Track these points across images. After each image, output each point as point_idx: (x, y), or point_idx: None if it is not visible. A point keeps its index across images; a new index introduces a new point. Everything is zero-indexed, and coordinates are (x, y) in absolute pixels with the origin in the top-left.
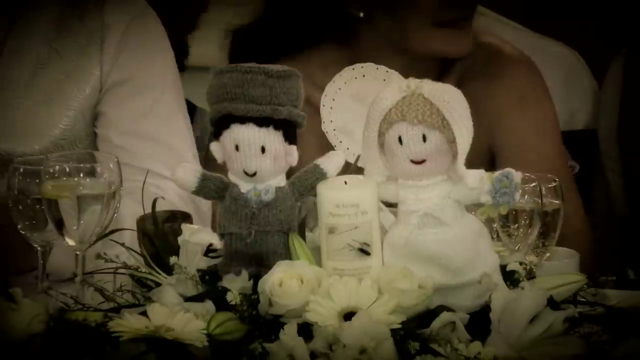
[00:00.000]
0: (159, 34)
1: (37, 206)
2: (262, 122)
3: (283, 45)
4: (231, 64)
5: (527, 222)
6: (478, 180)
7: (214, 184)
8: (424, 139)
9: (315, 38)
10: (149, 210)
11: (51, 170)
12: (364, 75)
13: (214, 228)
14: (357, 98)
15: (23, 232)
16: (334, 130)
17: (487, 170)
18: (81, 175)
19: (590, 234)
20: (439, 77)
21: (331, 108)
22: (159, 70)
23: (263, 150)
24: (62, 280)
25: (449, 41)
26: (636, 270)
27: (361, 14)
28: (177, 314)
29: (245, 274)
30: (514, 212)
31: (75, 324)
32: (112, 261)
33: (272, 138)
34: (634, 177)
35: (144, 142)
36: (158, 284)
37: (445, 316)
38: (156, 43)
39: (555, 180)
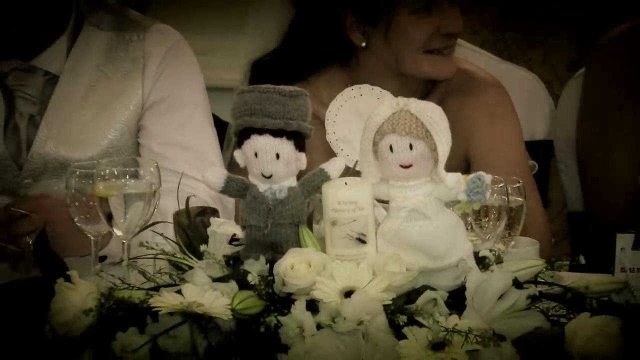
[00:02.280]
0: (190, 60)
1: (91, 203)
2: (276, 133)
3: (296, 70)
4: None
5: (495, 216)
6: (455, 181)
7: (237, 185)
8: (411, 147)
9: (323, 63)
10: (183, 206)
11: (102, 173)
12: (361, 95)
13: (237, 221)
14: (356, 113)
15: (79, 225)
16: (336, 140)
17: (463, 173)
18: (127, 177)
19: (548, 226)
20: (425, 96)
21: (334, 122)
22: (191, 90)
23: (277, 156)
24: (112, 263)
25: (436, 66)
26: (585, 256)
27: (363, 44)
28: (206, 292)
29: (262, 259)
30: (485, 208)
31: (121, 300)
32: (152, 248)
33: (285, 146)
34: (588, 179)
35: (179, 150)
36: (191, 267)
37: (428, 294)
38: (188, 68)
39: (519, 182)
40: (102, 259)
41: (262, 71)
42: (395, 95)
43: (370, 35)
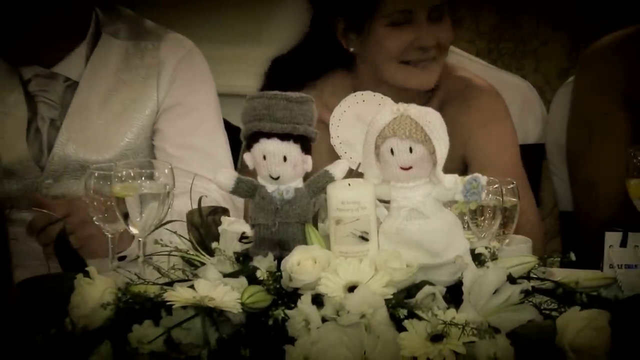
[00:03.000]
0: (202, 68)
1: (109, 203)
2: (284, 137)
3: (308, 70)
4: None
5: (491, 215)
6: (453, 182)
7: (247, 185)
8: (411, 150)
9: (329, 66)
10: (196, 206)
11: (119, 175)
12: (363, 101)
13: (246, 220)
14: (359, 118)
15: (97, 223)
16: (340, 143)
17: (460, 175)
18: (143, 178)
19: (540, 225)
20: (425, 102)
21: (338, 126)
22: (203, 96)
23: (285, 159)
24: (130, 260)
25: (410, 76)
26: (576, 253)
27: (351, 49)
28: (217, 287)
29: (271, 256)
30: (480, 208)
31: (137, 295)
32: (167, 246)
33: (292, 150)
34: (577, 180)
35: (192, 153)
36: (203, 264)
37: (427, 289)
38: (201, 75)
39: (513, 183)
40: (122, 258)
41: (281, 67)
42: (395, 101)
43: (355, 42)
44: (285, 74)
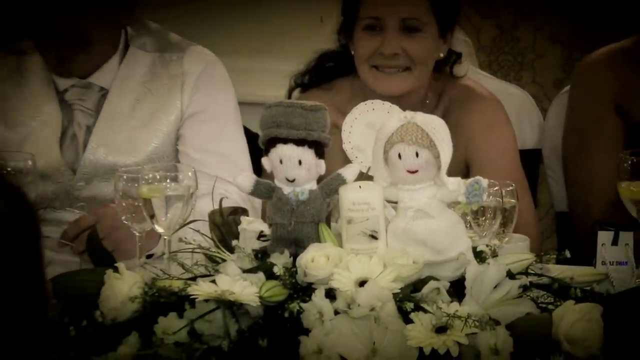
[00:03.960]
0: (223, 78)
1: (136, 203)
2: (299, 142)
3: (322, 79)
4: (279, 100)
5: (491, 215)
6: (456, 185)
7: (265, 188)
8: (417, 155)
9: (345, 72)
10: (217, 206)
11: (146, 177)
12: (373, 109)
13: (264, 219)
14: (369, 125)
15: (126, 222)
16: (352, 148)
17: (463, 178)
18: (168, 181)
19: (537, 224)
20: (432, 108)
21: (349, 132)
22: (223, 104)
23: (300, 163)
24: (156, 257)
25: (377, 81)
26: (570, 251)
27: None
28: (237, 282)
29: (287, 253)
30: (482, 208)
31: (163, 289)
32: (190, 243)
33: (306, 154)
34: (571, 183)
35: (213, 157)
36: (224, 260)
37: (432, 284)
38: (221, 84)
39: (512, 185)
40: (150, 257)
41: (325, 61)
42: (403, 109)
43: (350, 44)
44: (305, 83)
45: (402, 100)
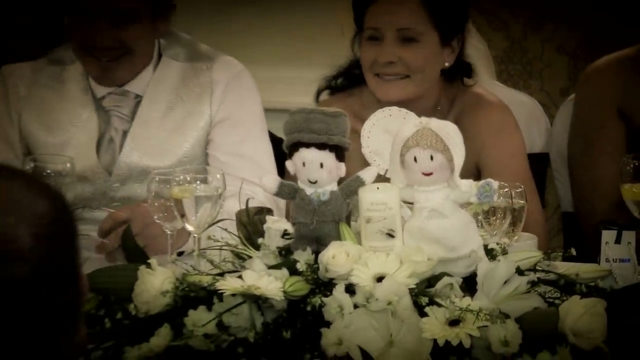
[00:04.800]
0: (250, 86)
1: (168, 203)
2: (320, 146)
3: (349, 85)
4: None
5: (501, 215)
6: (468, 187)
7: (288, 189)
8: (432, 158)
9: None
10: (244, 206)
11: (177, 179)
12: (390, 115)
13: (288, 219)
14: (386, 130)
15: (159, 222)
16: (370, 152)
17: (474, 180)
18: (198, 182)
19: (545, 224)
20: (445, 113)
21: (368, 137)
22: (250, 110)
23: (321, 165)
24: (186, 254)
25: (378, 88)
26: (576, 249)
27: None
28: (262, 277)
29: (309, 250)
30: (492, 209)
31: (193, 284)
32: (218, 241)
33: (327, 157)
34: (577, 184)
35: (241, 160)
36: (250, 257)
37: (445, 279)
38: (248, 91)
39: (521, 187)
40: (181, 254)
41: (353, 67)
42: (417, 114)
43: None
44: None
45: (415, 106)
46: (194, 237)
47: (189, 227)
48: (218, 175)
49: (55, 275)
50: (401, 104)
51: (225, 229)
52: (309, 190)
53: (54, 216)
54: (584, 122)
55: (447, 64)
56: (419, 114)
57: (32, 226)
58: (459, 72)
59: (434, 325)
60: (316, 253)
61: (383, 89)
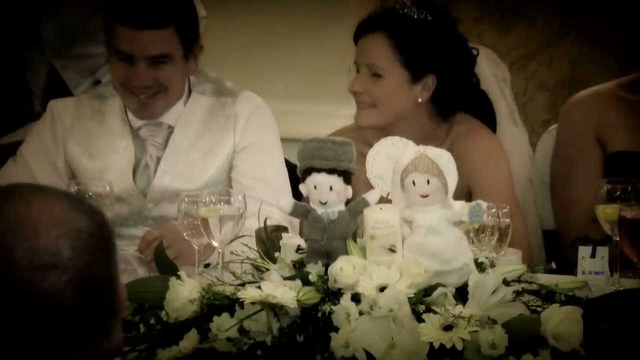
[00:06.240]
0: (269, 118)
1: (196, 222)
2: (330, 171)
3: None
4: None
5: (490, 232)
6: (461, 207)
7: (301, 209)
8: (428, 182)
9: None
10: (262, 225)
11: (204, 200)
12: (392, 144)
13: (301, 235)
14: (388, 157)
15: (187, 238)
16: (374, 176)
17: (466, 201)
18: (222, 203)
19: (528, 240)
20: (441, 141)
21: (372, 163)
22: (268, 139)
23: (331, 188)
24: (211, 267)
25: (355, 114)
26: (556, 262)
27: None
28: (279, 287)
29: (320, 263)
30: (482, 227)
31: (217, 293)
32: (240, 255)
33: (336, 181)
34: (558, 203)
35: (260, 184)
36: (267, 269)
37: (440, 289)
38: (267, 123)
39: (507, 207)
40: (207, 266)
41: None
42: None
43: None
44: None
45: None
46: (219, 251)
47: (214, 243)
48: (240, 197)
49: (92, 284)
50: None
51: (246, 245)
52: (320, 210)
53: (93, 231)
54: (565, 145)
55: (420, 100)
56: (419, 142)
57: (72, 240)
58: (453, 109)
59: (431, 330)
60: (326, 266)
61: (357, 114)
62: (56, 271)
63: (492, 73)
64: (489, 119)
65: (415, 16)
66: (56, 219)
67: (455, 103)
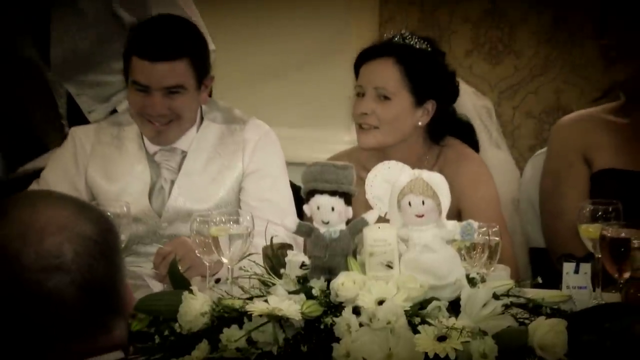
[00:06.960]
0: (275, 144)
1: (207, 240)
2: (332, 193)
3: None
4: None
5: (480, 250)
6: (453, 226)
7: (305, 228)
8: (423, 203)
9: None
10: (269, 243)
11: (215, 220)
12: (389, 168)
13: (305, 252)
14: (386, 180)
15: (199, 255)
16: (373, 197)
17: (458, 221)
18: (231, 223)
19: (515, 257)
20: (432, 165)
21: (371, 185)
22: (275, 164)
23: (332, 209)
24: (222, 282)
25: (359, 135)
26: (542, 277)
27: None
28: (284, 301)
29: (322, 278)
30: (473, 245)
31: (227, 306)
32: (248, 271)
33: (337, 203)
34: (546, 219)
35: (267, 205)
36: (274, 284)
37: (435, 303)
38: (274, 148)
39: (496, 227)
40: (217, 280)
41: None
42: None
43: None
44: None
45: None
46: (228, 267)
47: (224, 260)
48: (248, 217)
49: (94, 285)
50: (381, 156)
51: (254, 261)
52: (322, 229)
53: (97, 238)
54: (554, 162)
55: (420, 123)
56: (408, 165)
57: (76, 244)
58: (444, 132)
59: (426, 341)
60: (328, 281)
61: (359, 136)
62: (59, 272)
63: (471, 102)
64: (472, 142)
65: (417, 46)
66: (61, 225)
67: (446, 127)
